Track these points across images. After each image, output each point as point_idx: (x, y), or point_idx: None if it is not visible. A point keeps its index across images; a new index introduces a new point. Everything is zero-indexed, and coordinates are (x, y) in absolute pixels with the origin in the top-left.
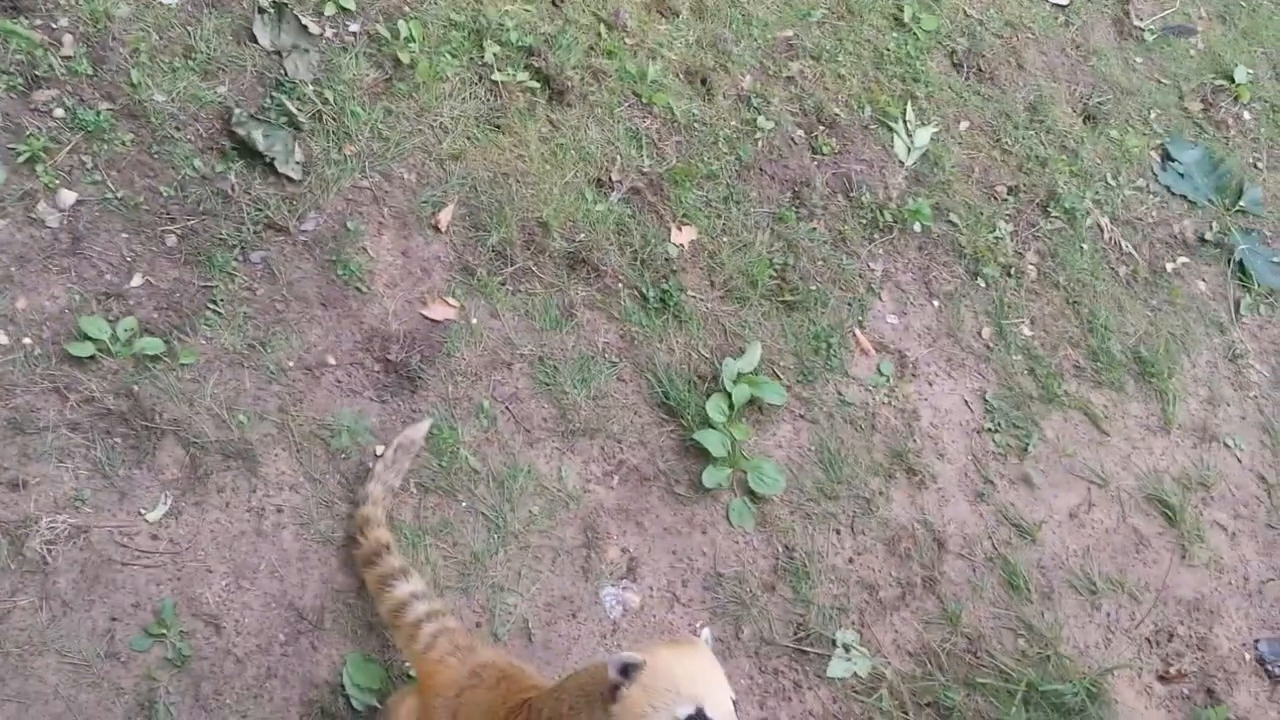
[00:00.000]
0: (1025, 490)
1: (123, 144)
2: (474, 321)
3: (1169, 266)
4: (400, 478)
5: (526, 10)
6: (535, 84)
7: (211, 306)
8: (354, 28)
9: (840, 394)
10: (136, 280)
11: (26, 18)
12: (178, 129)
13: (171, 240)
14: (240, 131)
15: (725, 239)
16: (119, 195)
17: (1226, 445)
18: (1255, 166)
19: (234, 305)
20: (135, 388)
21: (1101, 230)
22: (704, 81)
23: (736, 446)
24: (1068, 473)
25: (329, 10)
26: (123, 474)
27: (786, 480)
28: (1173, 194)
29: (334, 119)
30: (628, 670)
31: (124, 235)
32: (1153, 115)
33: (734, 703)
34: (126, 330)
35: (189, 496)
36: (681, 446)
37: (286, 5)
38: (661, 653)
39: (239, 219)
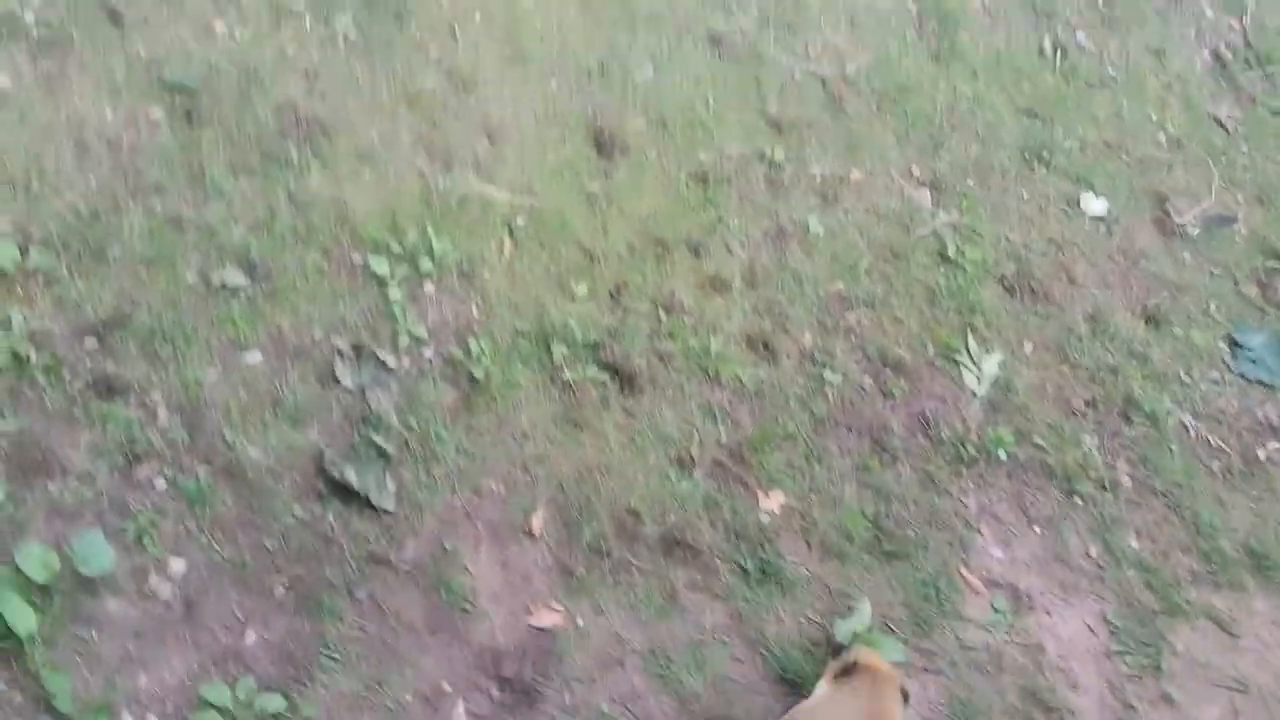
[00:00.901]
0: (1168, 710)
1: (224, 504)
2: (580, 623)
3: (1261, 454)
4: None
5: (588, 308)
6: (605, 376)
7: (325, 651)
8: (428, 353)
9: (959, 639)
10: (250, 638)
11: (122, 398)
12: (274, 480)
13: (280, 591)
14: (333, 472)
15: (814, 497)
16: (225, 555)
17: None
18: None
19: (346, 646)
20: None
21: (1187, 429)
22: (766, 346)
23: None
24: (1207, 684)
25: (403, 342)
26: None
27: None
28: (1249, 381)
29: (420, 444)
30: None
31: (234, 594)
32: (1212, 306)
33: None
34: (246, 691)
35: None
36: None
37: (363, 344)
38: None
39: (341, 558)
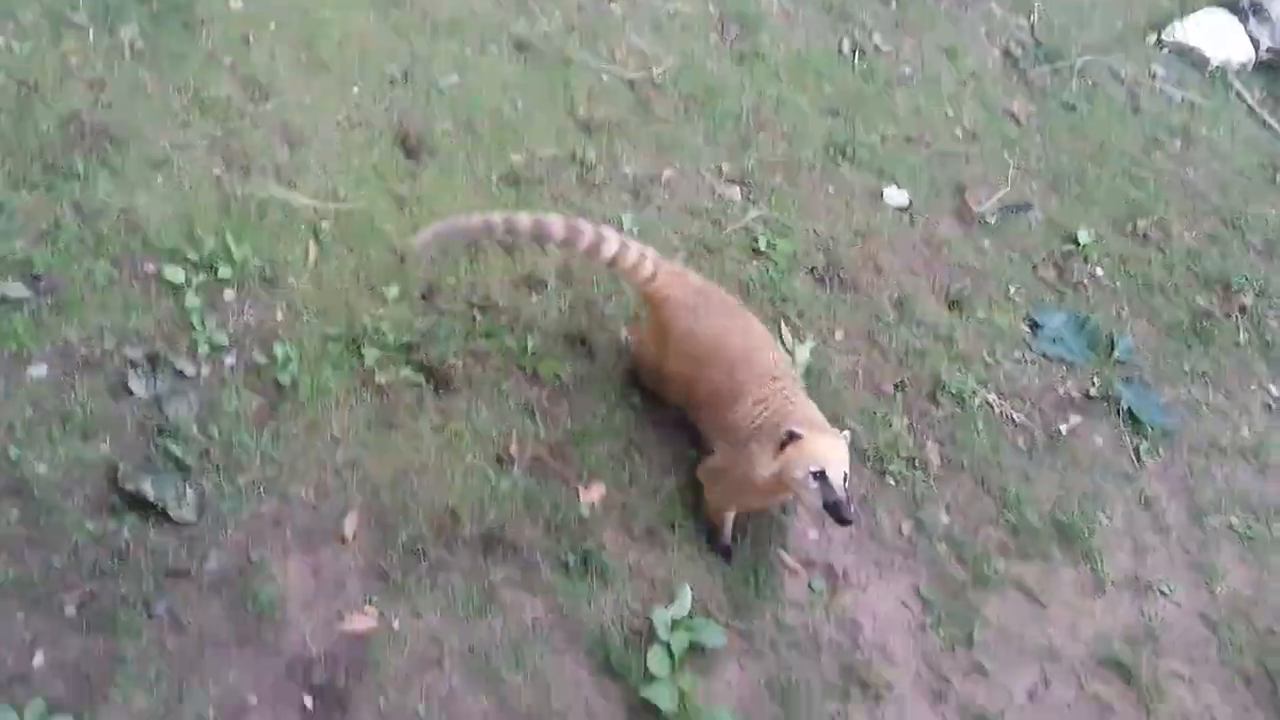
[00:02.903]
0: (981, 679)
1: (8, 523)
2: (396, 626)
3: (1063, 429)
4: None
5: (399, 310)
6: (419, 378)
7: (121, 670)
8: (230, 360)
9: (779, 620)
10: (39, 659)
11: None
12: (64, 496)
13: (71, 610)
14: (128, 486)
15: (634, 489)
16: (11, 575)
17: (1162, 592)
18: (1119, 317)
19: (144, 664)
20: None
21: (992, 407)
22: (584, 341)
23: (686, 699)
24: (1018, 653)
25: (203, 350)
26: None
27: None
28: (1049, 360)
29: (222, 453)
30: (792, 436)
31: (21, 615)
32: (1013, 290)
33: (845, 476)
34: (36, 714)
35: None
36: (631, 710)
37: (159, 354)
38: (812, 433)
39: (138, 574)
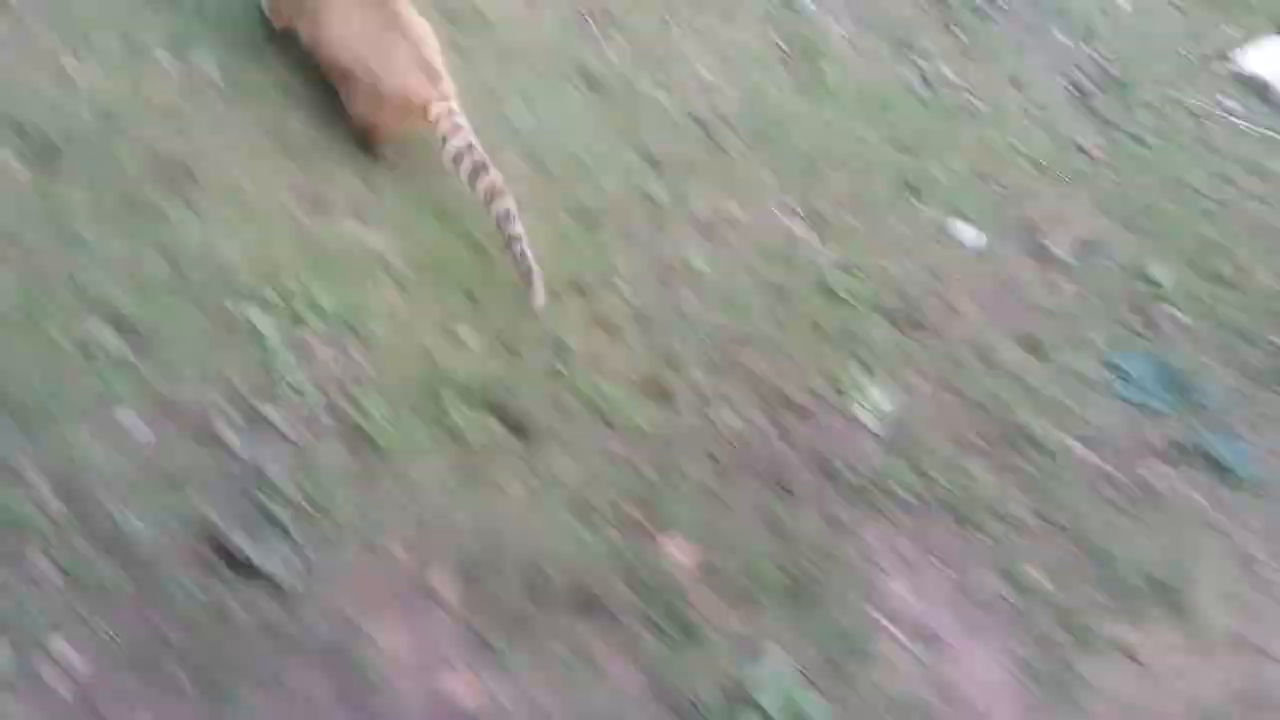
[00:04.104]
0: None
1: (114, 584)
2: (501, 701)
3: (1152, 479)
4: None
5: (476, 355)
6: (501, 427)
7: None
8: (317, 410)
9: (876, 685)
10: None
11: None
12: (160, 553)
13: (177, 672)
14: (225, 544)
15: (720, 545)
16: (119, 640)
17: (1267, 653)
18: (1201, 361)
19: None
20: None
21: (1078, 457)
22: (661, 390)
23: None
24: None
25: (291, 398)
26: None
27: None
28: (1133, 405)
29: (314, 508)
30: None
31: (128, 676)
32: (1091, 333)
33: None
34: None
35: None
36: None
37: (248, 403)
38: None
39: (240, 636)
